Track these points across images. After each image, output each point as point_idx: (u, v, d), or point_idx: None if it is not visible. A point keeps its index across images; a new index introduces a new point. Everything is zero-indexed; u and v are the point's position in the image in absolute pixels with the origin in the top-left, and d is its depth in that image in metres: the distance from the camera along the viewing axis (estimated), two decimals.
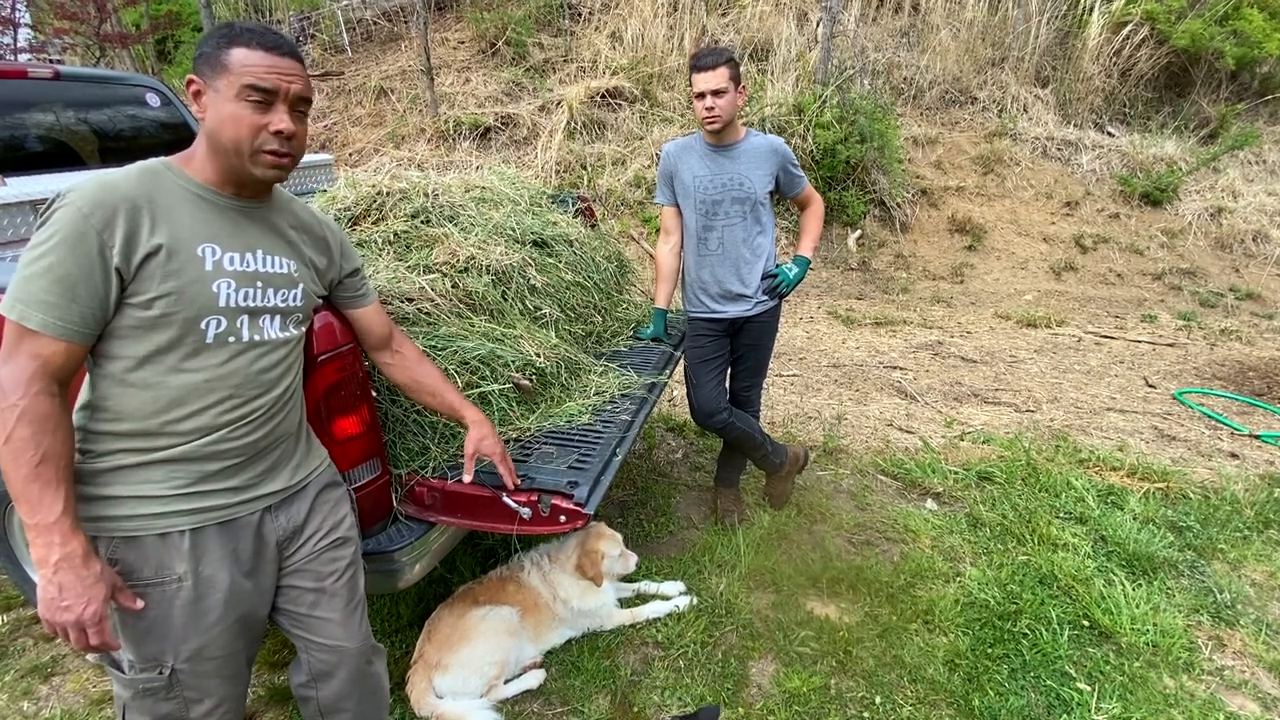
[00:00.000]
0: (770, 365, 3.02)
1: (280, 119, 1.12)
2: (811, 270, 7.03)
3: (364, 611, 1.46)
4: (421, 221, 2.25)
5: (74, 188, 1.05)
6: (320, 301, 1.39)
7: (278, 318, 1.24)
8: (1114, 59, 9.00)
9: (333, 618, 1.38)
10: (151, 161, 1.16)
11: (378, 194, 2.29)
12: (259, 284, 1.20)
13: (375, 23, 9.54)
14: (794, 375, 4.63)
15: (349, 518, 1.44)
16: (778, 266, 2.55)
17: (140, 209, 1.07)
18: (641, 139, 7.80)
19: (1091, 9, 8.81)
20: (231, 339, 1.16)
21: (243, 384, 1.18)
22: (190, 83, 1.15)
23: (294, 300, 1.27)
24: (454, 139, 7.86)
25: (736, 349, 2.64)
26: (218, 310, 1.14)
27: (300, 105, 1.17)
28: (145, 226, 1.07)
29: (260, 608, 1.30)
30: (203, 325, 1.12)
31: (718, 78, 2.22)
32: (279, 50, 1.13)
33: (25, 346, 1.02)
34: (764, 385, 2.82)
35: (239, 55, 1.10)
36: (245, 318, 1.18)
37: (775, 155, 2.43)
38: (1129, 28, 8.79)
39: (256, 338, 1.20)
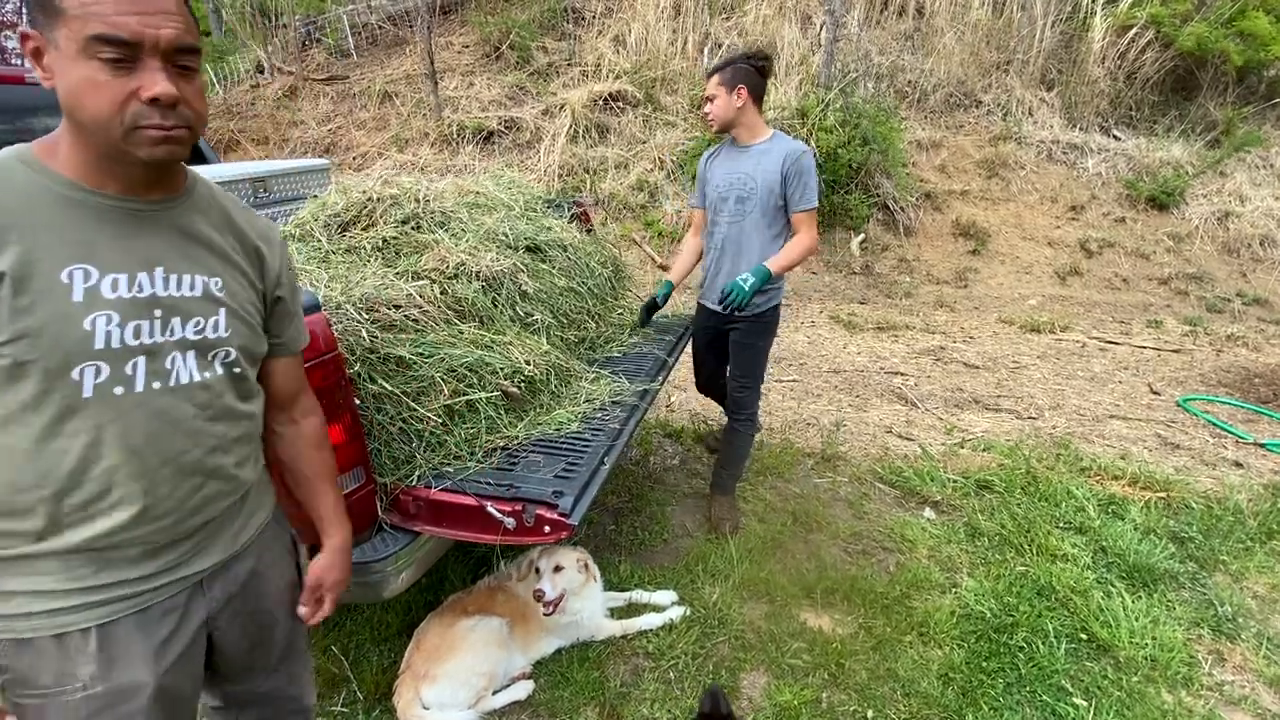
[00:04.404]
0: (769, 370, 3.01)
1: (153, 81, 0.81)
2: (814, 275, 7.01)
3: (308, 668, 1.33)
4: (412, 227, 2.25)
5: None
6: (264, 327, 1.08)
7: (191, 354, 0.93)
8: (1119, 62, 8.93)
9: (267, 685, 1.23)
10: (2, 153, 0.86)
11: (368, 200, 2.28)
12: (157, 314, 0.89)
13: (380, 27, 9.58)
14: (793, 380, 4.60)
15: (293, 574, 1.24)
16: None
17: None
18: (644, 143, 7.80)
19: (1094, 12, 8.76)
20: (119, 390, 0.87)
21: (147, 445, 0.90)
22: (25, 39, 0.82)
23: (215, 330, 0.96)
24: (457, 143, 7.89)
25: (730, 344, 2.68)
26: (94, 354, 0.84)
27: (182, 57, 0.84)
28: None
29: (193, 698, 1.08)
30: (75, 375, 0.84)
31: (709, 85, 2.42)
32: None
33: None
34: (762, 390, 2.80)
35: None
36: (140, 360, 0.88)
37: (786, 158, 2.37)
38: (1134, 31, 8.73)
39: (158, 385, 0.90)
